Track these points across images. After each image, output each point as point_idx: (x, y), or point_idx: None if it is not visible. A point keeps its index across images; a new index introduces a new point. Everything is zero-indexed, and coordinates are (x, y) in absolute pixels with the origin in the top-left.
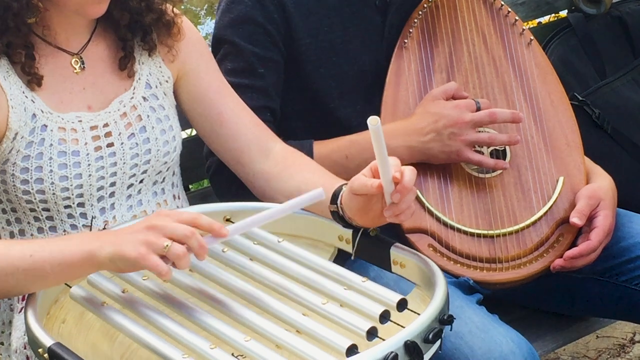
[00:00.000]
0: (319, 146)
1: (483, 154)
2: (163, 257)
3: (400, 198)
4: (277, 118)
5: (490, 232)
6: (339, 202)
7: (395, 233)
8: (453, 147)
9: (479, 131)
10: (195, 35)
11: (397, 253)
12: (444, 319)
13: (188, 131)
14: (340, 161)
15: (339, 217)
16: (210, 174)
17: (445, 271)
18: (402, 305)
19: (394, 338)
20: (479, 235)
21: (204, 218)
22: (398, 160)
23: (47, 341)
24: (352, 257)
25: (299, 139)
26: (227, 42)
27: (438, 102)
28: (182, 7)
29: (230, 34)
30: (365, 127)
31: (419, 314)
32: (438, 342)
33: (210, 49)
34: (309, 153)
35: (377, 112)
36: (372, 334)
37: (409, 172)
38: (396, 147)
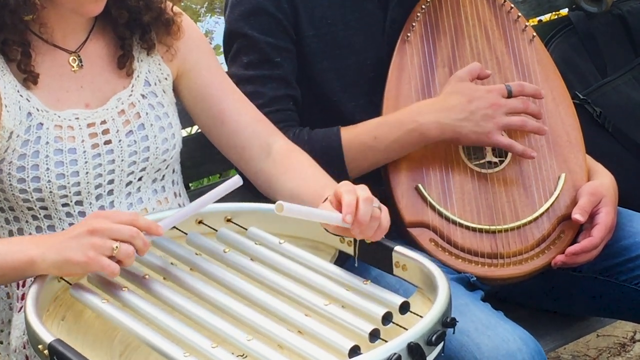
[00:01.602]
0: (347, 130)
1: (486, 153)
2: (110, 258)
3: (360, 231)
4: (300, 106)
5: (492, 227)
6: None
7: (396, 227)
8: (485, 129)
9: None
10: (196, 32)
11: (399, 256)
12: (447, 322)
13: (188, 129)
14: (369, 142)
15: (331, 232)
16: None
17: (446, 266)
18: (404, 307)
19: (396, 340)
20: (480, 231)
21: (142, 218)
22: (352, 196)
23: (48, 338)
24: (356, 264)
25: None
26: (240, 35)
27: (467, 83)
28: (182, 4)
29: (242, 27)
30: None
31: (421, 317)
32: (441, 345)
33: (211, 45)
34: (337, 138)
35: (379, 106)
36: (374, 335)
37: (364, 205)
38: (426, 123)
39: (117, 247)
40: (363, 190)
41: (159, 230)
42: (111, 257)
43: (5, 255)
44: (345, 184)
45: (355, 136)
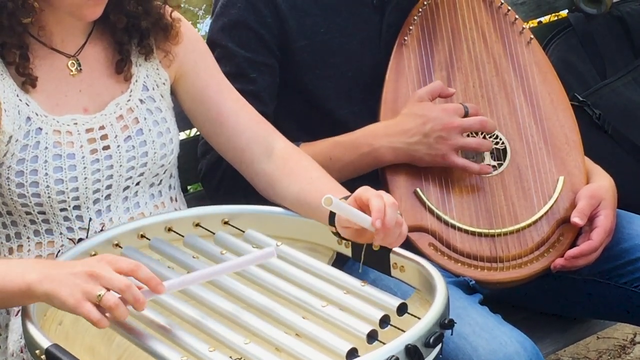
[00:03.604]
0: (305, 148)
1: (484, 156)
2: (99, 306)
3: (383, 237)
4: (271, 122)
5: (491, 231)
6: (336, 224)
7: None
8: (439, 151)
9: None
10: (194, 35)
11: (396, 257)
12: (445, 323)
13: (187, 132)
14: (324, 163)
15: (340, 237)
16: (201, 176)
17: (446, 270)
18: (402, 309)
19: (394, 342)
20: (479, 235)
21: (143, 270)
22: (380, 201)
23: (44, 343)
24: (360, 270)
25: (298, 141)
26: (220, 46)
27: (425, 103)
28: (181, 6)
29: (222, 38)
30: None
31: (419, 318)
32: (439, 347)
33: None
34: None
35: (376, 112)
36: (372, 337)
37: (390, 210)
38: (379, 148)
39: (100, 295)
40: (387, 195)
41: (158, 287)
42: (98, 306)
43: (5, 277)
44: (367, 189)
45: (312, 155)
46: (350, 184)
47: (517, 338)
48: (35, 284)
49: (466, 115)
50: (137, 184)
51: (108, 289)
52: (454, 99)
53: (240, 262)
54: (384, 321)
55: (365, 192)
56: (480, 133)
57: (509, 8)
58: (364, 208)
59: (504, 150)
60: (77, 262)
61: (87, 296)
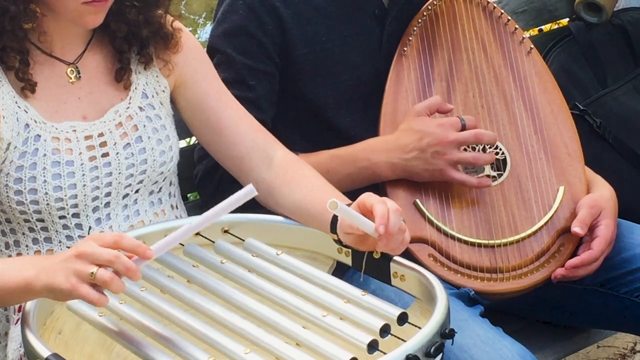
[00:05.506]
0: (303, 159)
1: (484, 167)
2: (95, 285)
3: (386, 243)
4: (269, 130)
5: (491, 241)
6: (337, 231)
7: None
8: (436, 166)
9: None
10: (194, 43)
11: (396, 266)
12: (446, 333)
13: (187, 140)
14: (322, 175)
15: (342, 244)
16: (197, 182)
17: (445, 281)
18: (402, 319)
19: (395, 352)
20: (479, 245)
21: (127, 239)
22: (384, 207)
23: (44, 352)
24: (362, 279)
25: (297, 150)
26: (220, 52)
27: (422, 118)
28: (180, 13)
29: (223, 44)
30: (363, 137)
31: (419, 328)
32: (439, 357)
33: None
34: None
35: (376, 121)
36: (373, 347)
37: (394, 216)
38: (378, 163)
39: (93, 272)
40: (390, 202)
41: (146, 253)
42: (94, 285)
43: (2, 275)
44: (370, 195)
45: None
46: (350, 195)
47: (518, 351)
48: (33, 279)
49: (464, 128)
50: (137, 191)
51: (99, 266)
52: (454, 110)
53: (222, 206)
54: (385, 330)
55: (368, 198)
56: (479, 145)
57: (509, 18)
58: (368, 214)
59: (504, 161)
60: (69, 249)
61: (80, 277)
